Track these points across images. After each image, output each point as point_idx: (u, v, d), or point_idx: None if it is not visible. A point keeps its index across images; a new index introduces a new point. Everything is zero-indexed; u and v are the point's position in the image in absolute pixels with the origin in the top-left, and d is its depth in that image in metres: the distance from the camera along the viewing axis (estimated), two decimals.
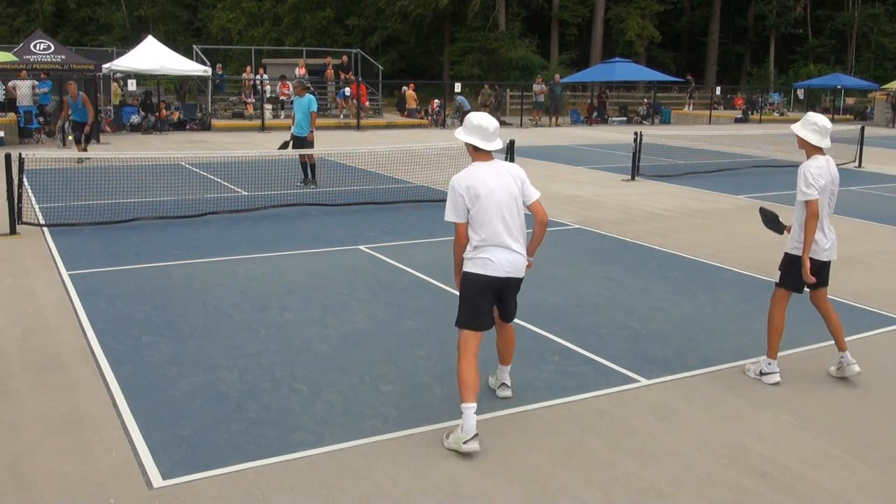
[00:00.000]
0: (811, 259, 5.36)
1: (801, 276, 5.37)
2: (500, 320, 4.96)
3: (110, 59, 28.02)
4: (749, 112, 36.73)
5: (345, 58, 33.04)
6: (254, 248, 9.37)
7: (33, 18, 46.61)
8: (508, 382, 5.20)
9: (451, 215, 4.60)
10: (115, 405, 4.96)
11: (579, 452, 4.48)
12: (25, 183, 10.68)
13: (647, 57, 47.12)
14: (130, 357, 5.77)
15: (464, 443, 4.35)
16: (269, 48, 41.45)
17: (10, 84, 22.35)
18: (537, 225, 4.73)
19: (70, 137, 18.16)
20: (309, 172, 14.07)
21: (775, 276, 5.69)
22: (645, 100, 37.05)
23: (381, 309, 7.04)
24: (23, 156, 10.33)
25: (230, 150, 19.01)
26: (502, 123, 31.97)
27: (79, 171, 13.38)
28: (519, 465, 4.31)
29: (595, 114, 34.09)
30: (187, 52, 30.47)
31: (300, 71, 31.28)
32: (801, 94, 40.78)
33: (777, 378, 5.52)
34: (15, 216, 9.93)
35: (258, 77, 29.00)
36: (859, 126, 20.74)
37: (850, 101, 41.63)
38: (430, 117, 30.79)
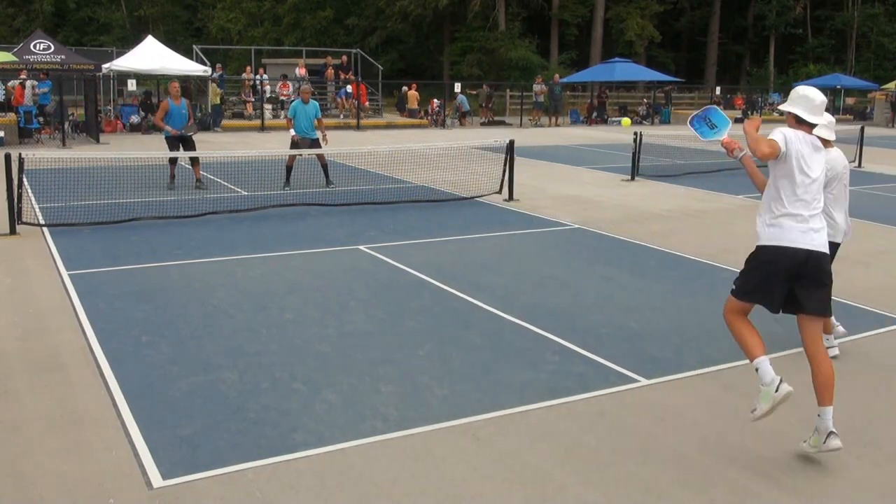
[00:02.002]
0: (836, 244, 5.69)
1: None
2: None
3: (110, 59, 28.01)
4: (749, 112, 36.71)
5: (344, 58, 33.05)
6: (254, 248, 9.36)
7: (33, 18, 46.59)
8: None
9: (778, 138, 4.34)
10: (115, 405, 4.96)
11: (579, 452, 4.48)
12: (25, 183, 10.68)
13: (647, 57, 47.11)
14: (130, 357, 5.77)
15: (776, 392, 4.21)
16: (269, 48, 41.44)
17: (9, 84, 22.36)
18: None
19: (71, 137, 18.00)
20: (325, 173, 13.98)
21: None
22: (645, 100, 37.04)
23: (381, 309, 7.04)
24: (23, 156, 10.33)
25: (230, 150, 19.00)
26: (502, 124, 32.01)
27: (79, 171, 13.38)
28: (519, 465, 4.31)
29: (595, 114, 34.09)
30: (187, 52, 30.46)
31: (300, 71, 31.28)
32: None
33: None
34: (15, 216, 9.93)
35: (258, 77, 28.98)
36: (859, 126, 20.73)
37: (850, 101, 41.63)
38: (429, 117, 30.79)
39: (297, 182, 13.74)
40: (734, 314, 4.55)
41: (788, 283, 4.39)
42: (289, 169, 13.78)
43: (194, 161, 13.91)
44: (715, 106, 5.13)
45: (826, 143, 5.42)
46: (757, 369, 4.36)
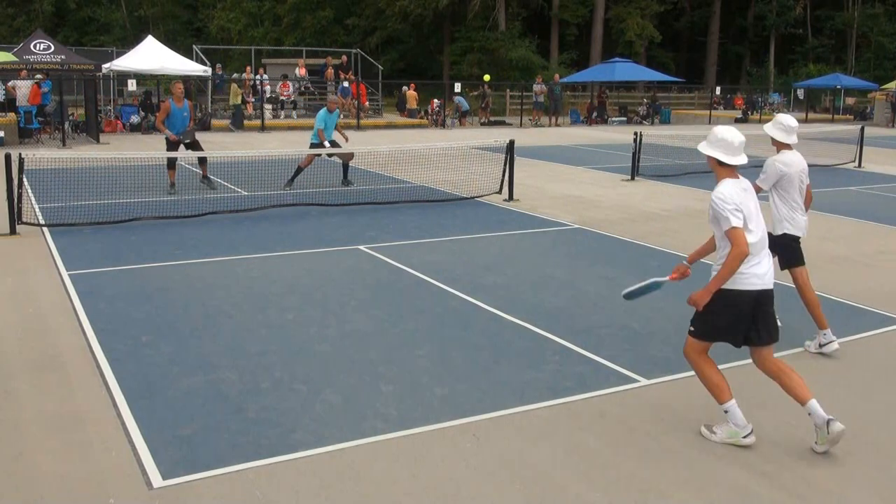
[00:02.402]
0: (797, 237, 6.22)
1: (793, 253, 6.22)
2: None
3: (110, 59, 28.01)
4: (749, 112, 36.72)
5: (344, 58, 33.04)
6: (254, 248, 9.36)
7: (33, 18, 46.55)
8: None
9: (736, 221, 4.41)
10: (115, 405, 4.96)
11: (579, 452, 4.48)
12: (25, 183, 10.68)
13: (647, 57, 47.12)
14: (130, 357, 5.77)
15: (743, 437, 4.59)
16: (269, 48, 41.44)
17: (9, 84, 22.36)
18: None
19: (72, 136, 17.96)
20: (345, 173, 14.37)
21: (774, 276, 5.70)
22: (645, 100, 37.05)
23: (381, 309, 7.04)
24: (23, 156, 10.33)
25: (230, 150, 19.00)
26: (502, 124, 32.00)
27: (79, 171, 13.38)
28: (519, 465, 4.31)
29: (595, 114, 34.09)
30: (187, 52, 30.46)
31: (300, 71, 31.28)
32: (800, 94, 40.76)
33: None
34: (15, 216, 9.93)
35: (258, 77, 28.98)
36: (859, 126, 20.73)
37: (850, 101, 41.60)
38: (430, 117, 30.79)
39: (297, 182, 13.73)
40: (699, 354, 4.71)
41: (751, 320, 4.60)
42: (300, 170, 13.82)
43: (202, 161, 13.64)
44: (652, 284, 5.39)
45: (786, 146, 6.08)
46: (726, 412, 4.66)
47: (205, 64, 29.15)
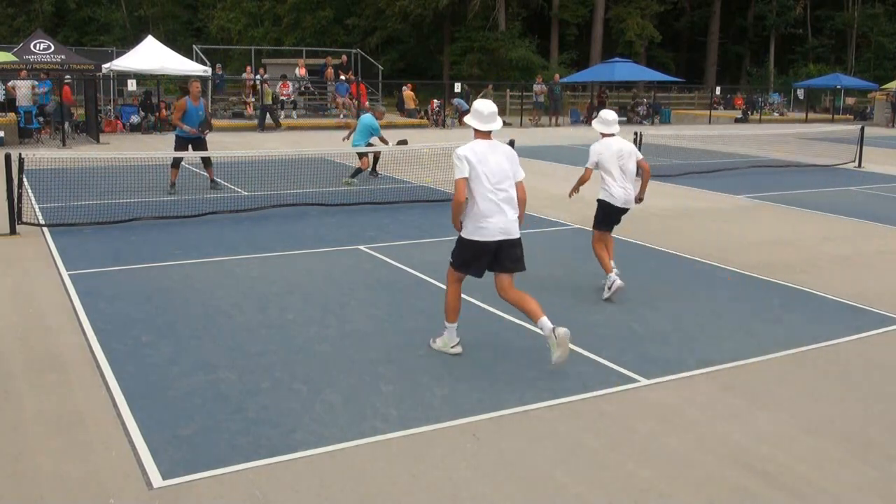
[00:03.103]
0: (609, 204, 7.61)
1: (603, 217, 7.65)
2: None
3: (110, 59, 28.01)
4: (749, 112, 36.73)
5: (344, 58, 33.05)
6: (254, 248, 9.36)
7: (33, 18, 46.56)
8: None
9: (458, 173, 5.58)
10: (115, 405, 4.96)
11: (579, 452, 4.48)
12: (25, 183, 10.68)
13: (647, 57, 47.13)
14: (130, 357, 5.77)
15: (451, 347, 5.86)
16: (269, 48, 41.45)
17: (9, 84, 22.37)
18: (519, 202, 5.76)
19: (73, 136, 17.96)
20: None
21: (775, 276, 5.75)
22: (645, 100, 37.07)
23: (381, 309, 7.04)
24: (23, 156, 10.33)
25: (230, 150, 18.99)
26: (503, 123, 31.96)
27: (79, 171, 13.37)
28: (519, 465, 4.31)
29: (595, 114, 34.04)
30: (187, 52, 30.47)
31: (300, 71, 31.28)
32: (800, 94, 40.79)
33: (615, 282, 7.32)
34: (15, 216, 9.92)
35: (258, 77, 29.00)
36: (859, 126, 20.73)
37: (850, 101, 41.62)
38: (429, 117, 30.78)
39: (297, 182, 13.74)
40: (452, 280, 5.87)
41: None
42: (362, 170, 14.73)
43: (207, 163, 13.53)
44: None
45: (607, 134, 7.60)
46: (446, 328, 5.89)
47: (205, 64, 29.15)
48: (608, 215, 7.68)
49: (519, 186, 5.76)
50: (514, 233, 5.65)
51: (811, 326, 6.70)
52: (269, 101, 26.78)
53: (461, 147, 5.65)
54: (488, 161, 5.59)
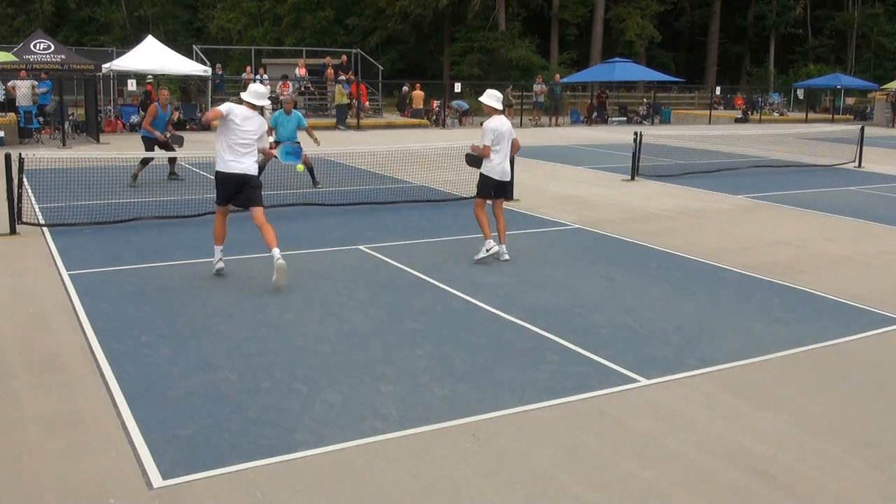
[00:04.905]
0: (491, 178, 8.67)
1: (486, 188, 8.71)
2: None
3: (110, 59, 28.01)
4: (749, 112, 36.73)
5: (344, 58, 33.04)
6: (254, 248, 9.35)
7: (33, 18, 46.56)
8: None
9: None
10: (115, 405, 4.96)
11: (579, 452, 4.48)
12: (25, 183, 10.68)
13: (647, 57, 47.14)
14: (130, 357, 5.77)
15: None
16: (269, 48, 41.45)
17: (9, 84, 22.37)
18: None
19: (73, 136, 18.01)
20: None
21: (775, 276, 5.74)
22: (645, 100, 37.06)
23: (381, 309, 7.04)
24: (23, 156, 10.32)
25: None
26: None
27: (79, 171, 13.37)
28: (519, 465, 4.31)
29: (595, 114, 34.08)
30: (187, 52, 30.46)
31: (300, 71, 31.27)
32: (800, 94, 40.79)
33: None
34: (15, 216, 9.92)
35: (258, 77, 28.99)
36: (859, 126, 20.73)
37: (850, 101, 41.63)
38: (430, 117, 30.78)
39: (297, 182, 13.73)
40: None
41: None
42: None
43: (172, 160, 14.66)
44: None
45: (497, 111, 8.57)
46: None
47: (205, 64, 29.13)
48: (486, 188, 8.75)
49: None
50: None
51: (811, 326, 6.70)
52: (343, 101, 26.90)
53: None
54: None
